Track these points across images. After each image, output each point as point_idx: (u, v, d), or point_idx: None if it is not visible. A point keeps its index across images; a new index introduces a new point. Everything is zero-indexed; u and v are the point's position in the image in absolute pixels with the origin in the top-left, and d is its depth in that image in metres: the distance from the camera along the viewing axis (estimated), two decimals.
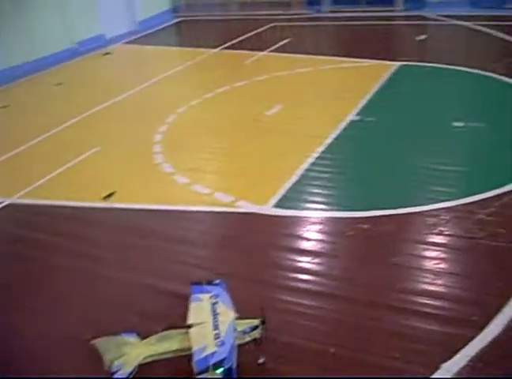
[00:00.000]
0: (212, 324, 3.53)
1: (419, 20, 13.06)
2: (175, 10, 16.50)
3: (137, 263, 4.93)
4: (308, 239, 5.07)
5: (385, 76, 9.08)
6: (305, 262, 4.73)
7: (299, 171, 6.21)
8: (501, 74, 8.56)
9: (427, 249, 4.74)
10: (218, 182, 6.20)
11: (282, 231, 5.23)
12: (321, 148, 6.71)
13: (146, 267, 4.86)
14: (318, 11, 14.93)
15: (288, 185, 5.95)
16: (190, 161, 6.73)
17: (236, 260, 4.87)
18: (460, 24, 12.24)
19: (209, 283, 3.94)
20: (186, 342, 3.49)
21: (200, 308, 3.67)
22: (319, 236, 5.14)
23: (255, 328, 3.62)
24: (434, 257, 4.64)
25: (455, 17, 12.70)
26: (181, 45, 14.06)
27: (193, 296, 3.79)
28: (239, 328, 3.58)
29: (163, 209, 5.77)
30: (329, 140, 6.90)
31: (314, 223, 5.33)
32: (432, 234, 4.92)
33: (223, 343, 3.39)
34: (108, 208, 5.87)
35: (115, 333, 3.77)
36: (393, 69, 9.37)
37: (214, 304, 3.69)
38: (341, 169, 6.34)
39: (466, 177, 5.88)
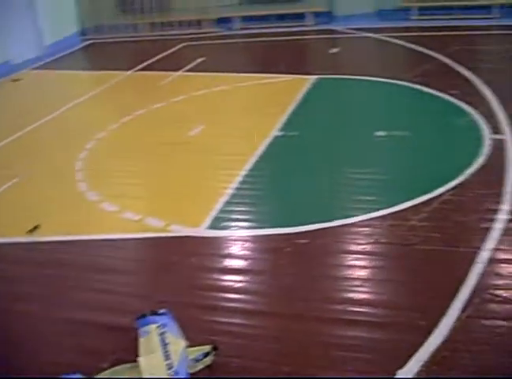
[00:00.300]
0: (162, 354, 3.41)
1: (330, 33, 13.34)
2: (83, 33, 16.12)
3: (69, 298, 4.70)
4: (246, 258, 5.01)
5: (303, 90, 9.19)
6: (245, 282, 4.65)
7: (230, 191, 6.15)
8: (415, 83, 8.85)
9: (365, 259, 4.78)
10: (148, 207, 6.04)
11: (218, 253, 5.15)
12: (249, 166, 6.68)
13: (79, 301, 4.62)
14: (230, 29, 15.01)
15: (219, 205, 5.87)
16: (116, 187, 6.54)
17: (172, 285, 4.73)
18: (369, 36, 12.61)
19: (154, 313, 3.79)
20: (137, 375, 3.34)
21: (148, 340, 3.54)
22: (256, 254, 5.10)
23: (207, 354, 3.54)
24: (372, 266, 4.70)
25: (364, 30, 13.08)
26: (93, 68, 13.75)
27: (141, 330, 3.65)
28: (191, 356, 3.49)
29: (92, 239, 5.55)
30: (255, 158, 6.89)
31: (250, 242, 5.27)
32: (368, 243, 4.96)
33: (177, 373, 3.29)
34: (33, 242, 5.60)
35: (56, 377, 3.55)
36: (310, 83, 9.50)
37: (162, 334, 3.56)
38: (271, 185, 6.35)
39: (395, 185, 5.99)
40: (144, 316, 3.77)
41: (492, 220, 5.12)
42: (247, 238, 5.33)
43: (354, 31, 13.10)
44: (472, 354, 3.62)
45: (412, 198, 5.52)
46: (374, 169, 6.32)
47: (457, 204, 5.45)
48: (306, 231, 5.20)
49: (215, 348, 3.59)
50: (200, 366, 3.54)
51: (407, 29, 12.97)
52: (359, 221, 5.28)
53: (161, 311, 3.83)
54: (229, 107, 9.04)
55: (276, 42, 13.19)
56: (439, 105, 8.04)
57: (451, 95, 8.24)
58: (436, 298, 4.16)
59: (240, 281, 4.68)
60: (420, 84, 8.80)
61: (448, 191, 5.64)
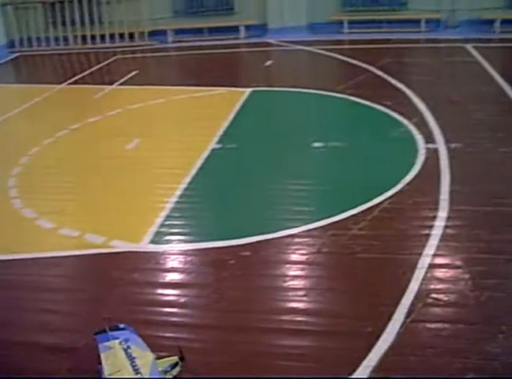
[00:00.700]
0: (131, 369, 3.34)
1: (263, 46, 13.48)
2: (10, 45, 15.69)
3: (8, 319, 4.50)
4: (189, 272, 4.95)
5: (239, 102, 9.23)
6: (189, 296, 4.60)
7: (170, 205, 6.09)
8: (349, 94, 9.02)
9: (308, 269, 4.82)
10: (87, 223, 5.89)
11: (160, 267, 5.06)
12: (188, 179, 6.64)
13: (18, 322, 4.44)
14: (163, 42, 14.94)
15: (160, 219, 5.79)
16: (53, 203, 6.36)
17: (116, 301, 4.61)
18: (302, 49, 12.80)
19: (113, 329, 3.69)
20: None
21: (113, 356, 3.44)
22: (199, 268, 5.04)
23: (175, 365, 3.51)
24: (315, 276, 4.74)
25: (297, 43, 13.28)
26: (22, 82, 13.37)
27: (102, 345, 3.53)
28: (160, 368, 3.44)
29: (30, 258, 5.36)
30: (193, 171, 6.85)
31: (192, 256, 5.21)
32: (310, 253, 5.00)
33: None
34: None
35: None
36: (245, 96, 9.55)
37: (127, 349, 3.48)
38: (211, 198, 6.33)
39: (334, 195, 6.08)
40: (103, 331, 3.66)
41: (430, 227, 5.26)
42: (189, 252, 5.27)
43: (287, 44, 13.28)
44: (418, 357, 3.70)
45: (352, 208, 5.60)
46: (313, 180, 6.40)
47: (395, 212, 5.57)
48: (248, 243, 5.20)
49: (182, 359, 3.55)
50: (168, 377, 3.50)
51: (339, 42, 13.27)
52: (301, 232, 5.32)
53: (121, 326, 3.75)
54: (165, 121, 8.98)
55: (210, 55, 13.22)
56: (374, 116, 8.23)
57: (385, 106, 8.46)
58: (380, 304, 4.23)
59: (184, 295, 4.62)
60: (354, 95, 8.99)
61: (386, 200, 5.77)
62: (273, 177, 6.59)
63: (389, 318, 4.04)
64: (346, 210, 5.57)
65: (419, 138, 7.25)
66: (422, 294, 4.32)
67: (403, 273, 4.59)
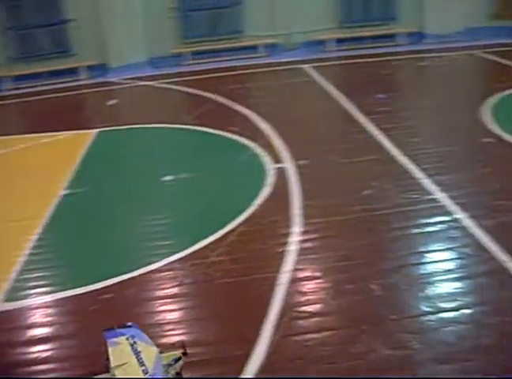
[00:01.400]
0: (136, 362, 3.52)
1: (106, 86, 13.28)
2: None
3: None
4: (51, 325, 4.73)
5: (86, 144, 9.02)
6: (54, 349, 4.40)
7: (22, 258, 5.80)
8: (196, 125, 9.14)
9: (173, 302, 4.79)
10: None
11: (20, 325, 4.79)
12: (39, 229, 6.36)
13: None
14: (0, 90, 14.31)
15: (13, 275, 5.50)
16: None
17: None
18: (146, 84, 12.79)
19: (121, 326, 3.85)
20: None
21: (119, 350, 3.64)
22: (62, 319, 4.84)
23: (178, 359, 3.70)
24: (181, 308, 4.73)
25: (139, 79, 13.24)
26: None
27: (110, 341, 3.74)
28: (164, 361, 3.58)
29: None
30: (45, 220, 6.57)
31: (53, 307, 5.00)
32: (173, 286, 4.99)
33: (153, 377, 3.41)
34: None
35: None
36: (92, 137, 9.34)
37: (133, 344, 3.68)
38: (67, 245, 6.11)
39: (190, 225, 6.12)
40: (111, 329, 3.86)
41: (287, 243, 5.43)
42: (50, 304, 5.05)
43: (130, 81, 13.21)
44: (289, 371, 3.81)
45: (209, 235, 5.66)
46: (167, 213, 6.38)
47: (251, 234, 5.70)
48: (110, 285, 5.08)
49: (184, 353, 3.73)
50: (172, 372, 3.66)
51: (181, 74, 13.40)
52: (161, 266, 5.29)
53: (128, 324, 3.93)
54: (9, 172, 8.58)
55: (52, 99, 12.83)
56: (222, 143, 8.39)
57: (231, 132, 8.64)
58: (248, 325, 4.30)
59: (48, 349, 4.41)
60: (201, 125, 9.12)
61: (241, 223, 5.88)
62: (128, 215, 6.51)
63: (257, 338, 4.11)
64: (203, 239, 5.61)
65: (267, 159, 7.47)
66: (286, 310, 4.44)
67: (266, 292, 4.69)
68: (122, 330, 3.85)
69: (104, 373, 3.68)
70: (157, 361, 3.58)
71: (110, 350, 3.67)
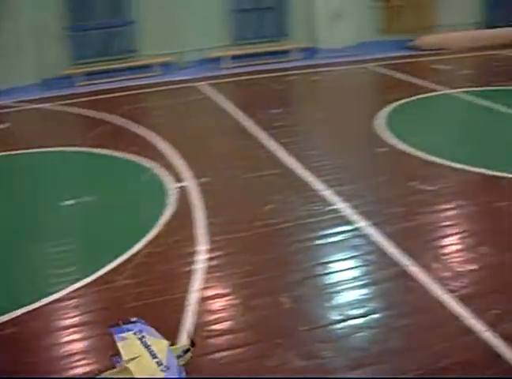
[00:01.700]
0: (148, 355, 3.57)
1: None
2: None
3: None
4: None
5: None
6: None
7: None
8: (93, 147, 8.95)
9: (81, 331, 4.58)
10: None
11: None
12: None
13: None
14: None
15: None
16: None
17: None
18: (38, 107, 12.39)
19: (126, 322, 3.95)
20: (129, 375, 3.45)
21: (129, 344, 3.68)
22: None
23: (187, 350, 3.79)
24: (89, 337, 4.51)
25: (30, 102, 12.81)
26: None
27: (116, 337, 3.78)
28: (174, 353, 3.68)
29: None
30: None
31: None
32: (80, 314, 4.80)
33: (168, 368, 3.46)
34: None
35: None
36: None
37: (142, 338, 3.73)
38: None
39: (93, 250, 5.95)
40: (117, 325, 3.92)
41: (193, 262, 5.40)
42: None
43: (21, 104, 12.76)
44: None
45: (113, 259, 5.53)
46: (69, 239, 6.16)
47: (157, 255, 5.62)
48: (11, 319, 4.82)
49: (193, 345, 3.85)
50: (182, 363, 3.70)
51: (75, 96, 13.09)
52: (66, 294, 5.09)
53: (133, 319, 3.99)
54: None
55: None
56: (121, 164, 8.24)
57: (130, 152, 8.51)
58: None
59: None
60: (98, 147, 8.92)
61: (146, 245, 5.80)
62: (26, 244, 6.21)
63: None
64: (108, 263, 5.48)
65: (168, 179, 7.43)
66: (198, 329, 4.41)
67: (175, 313, 4.65)
68: (127, 326, 3.91)
69: (109, 370, 3.74)
70: (169, 353, 3.64)
71: (119, 344, 3.71)
